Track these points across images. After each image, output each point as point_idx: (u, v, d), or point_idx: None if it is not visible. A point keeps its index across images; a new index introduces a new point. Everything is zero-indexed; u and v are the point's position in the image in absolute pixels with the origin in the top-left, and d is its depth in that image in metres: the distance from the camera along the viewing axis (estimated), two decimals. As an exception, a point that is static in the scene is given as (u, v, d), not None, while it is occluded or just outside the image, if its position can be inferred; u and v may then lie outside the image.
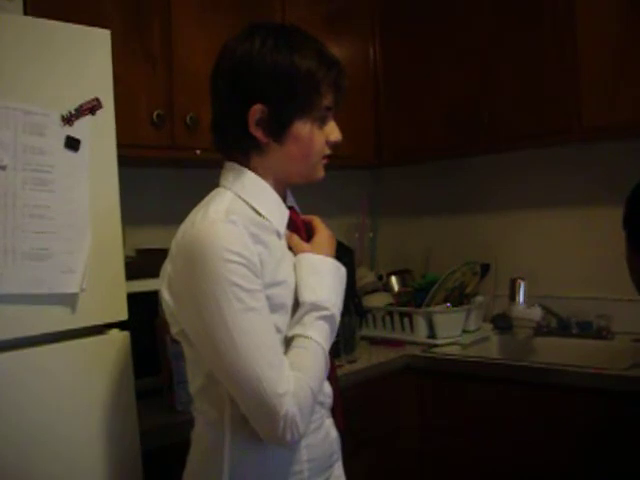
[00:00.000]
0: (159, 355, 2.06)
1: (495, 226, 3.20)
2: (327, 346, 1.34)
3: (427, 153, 3.10)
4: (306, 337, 1.31)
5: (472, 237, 3.24)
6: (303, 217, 1.50)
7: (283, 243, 1.40)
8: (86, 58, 1.59)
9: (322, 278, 1.38)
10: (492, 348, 2.88)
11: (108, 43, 1.64)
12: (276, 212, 1.40)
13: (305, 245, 1.42)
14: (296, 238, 1.42)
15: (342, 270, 1.44)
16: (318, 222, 1.50)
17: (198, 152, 2.32)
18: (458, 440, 2.56)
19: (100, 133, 1.61)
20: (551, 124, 2.65)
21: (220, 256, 1.23)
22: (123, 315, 1.66)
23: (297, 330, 1.32)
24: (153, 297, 2.13)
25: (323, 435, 1.44)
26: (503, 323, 2.95)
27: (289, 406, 1.23)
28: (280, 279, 1.33)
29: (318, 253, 1.41)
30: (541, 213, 3.08)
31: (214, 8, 2.40)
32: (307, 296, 1.34)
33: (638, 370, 2.25)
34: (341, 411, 1.53)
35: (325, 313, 1.34)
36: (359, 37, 3.07)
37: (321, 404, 1.43)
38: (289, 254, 1.40)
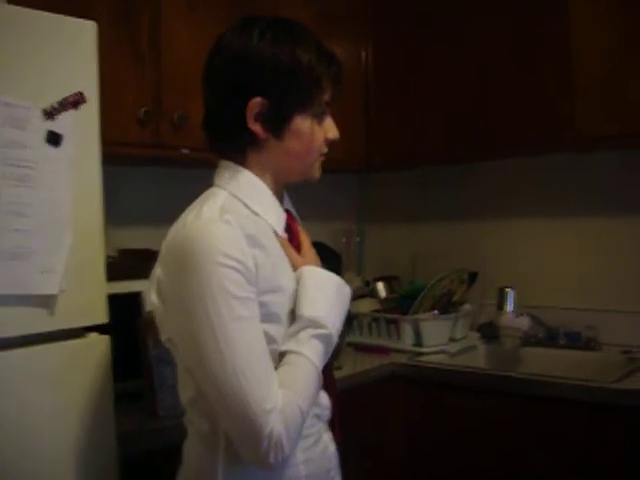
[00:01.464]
0: (141, 358, 2.02)
1: (484, 234, 3.17)
2: (320, 366, 1.27)
3: (418, 159, 3.07)
4: (300, 354, 1.24)
5: (460, 244, 3.21)
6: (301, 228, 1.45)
7: (281, 247, 1.34)
8: (71, 50, 1.54)
9: (325, 295, 1.31)
10: (479, 357, 2.85)
11: (94, 35, 1.59)
12: (274, 212, 1.36)
13: (299, 257, 1.36)
14: (292, 250, 1.36)
15: (346, 290, 1.38)
16: (303, 235, 1.45)
17: (185, 151, 2.28)
18: (444, 450, 2.52)
19: (83, 128, 1.55)
20: (545, 132, 2.63)
21: (212, 259, 1.17)
22: (103, 318, 1.60)
23: (291, 346, 1.25)
24: (136, 298, 2.10)
25: (321, 449, 1.37)
26: (490, 332, 2.92)
27: (275, 424, 1.16)
28: (277, 285, 1.27)
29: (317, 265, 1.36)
30: (530, 222, 3.06)
31: (204, 5, 2.36)
32: (306, 311, 1.27)
33: (626, 383, 2.23)
34: (339, 425, 1.47)
35: (322, 332, 1.27)
36: (351, 39, 3.03)
37: (318, 417, 1.36)
38: (287, 259, 1.34)
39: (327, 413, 1.40)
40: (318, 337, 1.26)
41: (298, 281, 1.32)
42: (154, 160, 2.43)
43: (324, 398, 1.39)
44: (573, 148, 2.64)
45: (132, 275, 2.07)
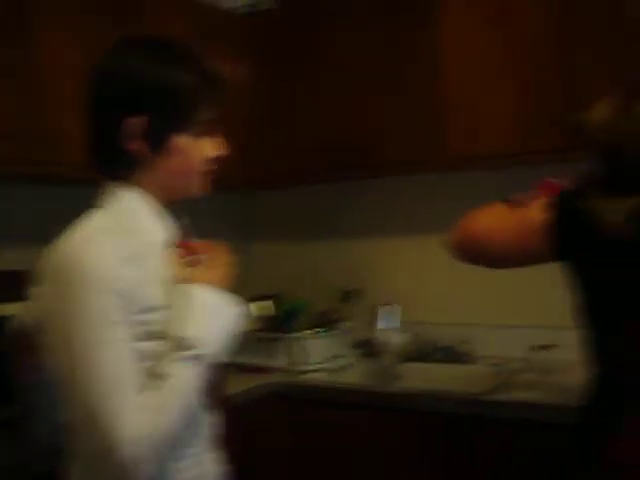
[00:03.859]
0: (13, 384, 1.92)
1: (364, 251, 3.23)
2: (192, 389, 1.24)
3: (300, 178, 3.10)
4: (170, 376, 1.21)
5: (341, 262, 3.26)
6: (201, 243, 1.41)
7: (166, 264, 1.32)
8: None
9: (201, 314, 1.27)
10: (359, 374, 2.87)
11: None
12: (158, 230, 1.33)
13: (187, 274, 1.33)
14: (180, 267, 1.33)
15: (230, 308, 1.34)
16: (215, 247, 1.41)
17: (60, 169, 2.21)
18: (327, 467, 2.54)
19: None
20: (419, 153, 2.71)
21: (83, 281, 1.15)
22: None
23: (162, 367, 1.22)
24: (5, 322, 2.00)
25: (201, 471, 1.34)
26: (369, 349, 2.96)
27: (134, 450, 1.13)
28: (158, 304, 1.25)
29: (202, 282, 1.31)
30: (408, 239, 3.14)
31: (83, 21, 2.31)
32: (177, 330, 1.24)
33: (498, 394, 2.31)
34: (227, 444, 1.44)
35: (195, 352, 1.24)
36: (234, 56, 3.02)
37: (199, 436, 1.34)
38: (171, 276, 1.31)
39: (209, 433, 1.38)
40: (189, 359, 1.23)
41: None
42: (30, 178, 2.34)
43: (207, 418, 1.38)
44: (445, 167, 2.74)
45: (3, 298, 1.98)
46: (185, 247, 1.38)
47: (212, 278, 1.34)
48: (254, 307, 3.13)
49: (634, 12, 2.31)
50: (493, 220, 1.70)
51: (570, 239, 1.54)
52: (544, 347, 2.56)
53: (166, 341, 1.24)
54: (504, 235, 1.66)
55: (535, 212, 1.59)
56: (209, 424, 1.39)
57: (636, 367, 1.50)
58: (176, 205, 1.42)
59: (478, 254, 1.75)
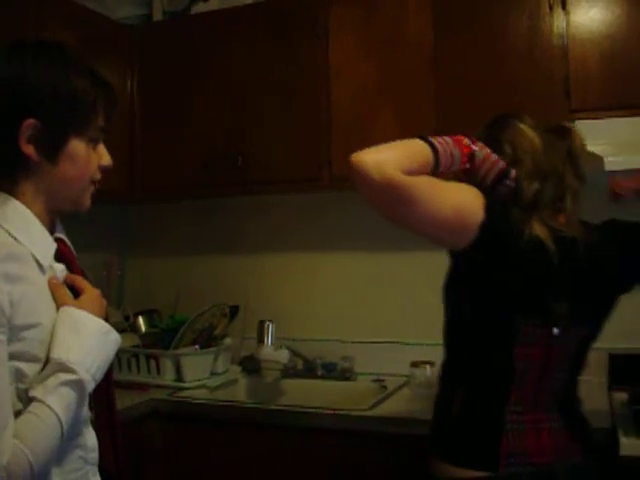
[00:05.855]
0: None
1: (245, 268, 3.22)
2: (66, 417, 1.18)
3: (181, 192, 3.07)
4: (43, 403, 1.16)
5: (222, 278, 3.24)
6: (66, 276, 1.35)
7: (48, 281, 1.27)
8: None
9: (81, 337, 1.23)
10: (240, 390, 2.87)
11: None
12: (41, 244, 1.28)
13: (70, 299, 1.28)
14: (62, 290, 1.28)
15: (112, 336, 1.31)
16: (83, 281, 1.36)
17: None
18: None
19: None
20: (303, 171, 2.75)
21: None
22: None
23: (36, 392, 1.17)
24: None
25: None
26: (251, 365, 2.96)
27: (9, 477, 1.09)
28: (36, 321, 1.20)
29: (85, 309, 1.28)
30: (290, 256, 3.17)
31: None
32: (57, 353, 1.19)
33: (377, 410, 2.36)
34: (117, 465, 1.42)
35: (72, 377, 1.19)
36: (116, 66, 2.98)
37: (84, 460, 1.30)
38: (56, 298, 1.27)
39: (93, 455, 1.34)
40: (68, 384, 1.19)
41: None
42: None
43: (91, 440, 1.33)
44: (328, 187, 2.77)
45: None
46: (65, 255, 1.36)
47: (91, 305, 1.31)
48: (140, 321, 3.08)
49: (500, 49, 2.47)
50: (437, 186, 1.55)
51: (495, 244, 1.55)
52: (425, 363, 2.61)
53: (46, 363, 1.20)
54: (444, 208, 1.53)
55: (475, 198, 1.55)
56: (92, 446, 1.34)
57: (521, 364, 1.56)
58: (57, 217, 1.39)
59: (402, 208, 1.56)
